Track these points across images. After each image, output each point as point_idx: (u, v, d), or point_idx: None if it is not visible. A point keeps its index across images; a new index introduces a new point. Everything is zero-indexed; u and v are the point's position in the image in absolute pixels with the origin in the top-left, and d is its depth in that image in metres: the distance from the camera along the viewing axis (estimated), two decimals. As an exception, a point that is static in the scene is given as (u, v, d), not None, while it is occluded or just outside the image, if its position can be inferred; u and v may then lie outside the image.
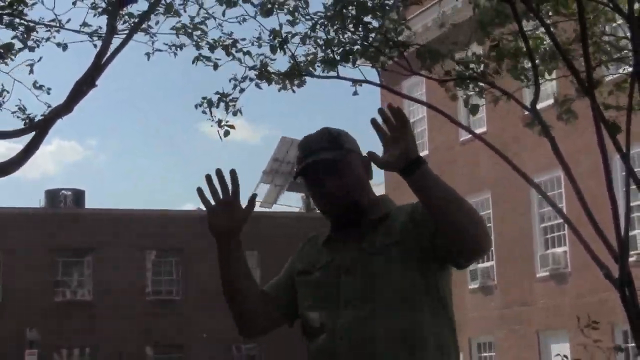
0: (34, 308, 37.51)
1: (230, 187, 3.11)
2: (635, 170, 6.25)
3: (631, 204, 6.16)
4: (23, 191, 79.29)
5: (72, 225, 39.01)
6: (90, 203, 42.58)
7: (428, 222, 2.94)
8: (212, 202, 3.12)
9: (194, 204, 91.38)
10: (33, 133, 9.45)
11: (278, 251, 41.54)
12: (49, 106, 9.86)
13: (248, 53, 8.64)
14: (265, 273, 41.52)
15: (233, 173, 3.13)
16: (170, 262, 40.78)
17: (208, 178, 3.09)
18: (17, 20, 9.80)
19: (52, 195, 41.21)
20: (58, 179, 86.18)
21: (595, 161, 18.70)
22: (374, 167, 3.02)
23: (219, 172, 3.08)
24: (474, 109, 7.76)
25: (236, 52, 8.63)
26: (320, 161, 3.11)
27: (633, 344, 15.40)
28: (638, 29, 4.66)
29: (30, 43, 9.91)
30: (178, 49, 9.45)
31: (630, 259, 15.63)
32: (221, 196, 3.11)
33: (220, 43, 8.90)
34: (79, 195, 42.09)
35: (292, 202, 59.18)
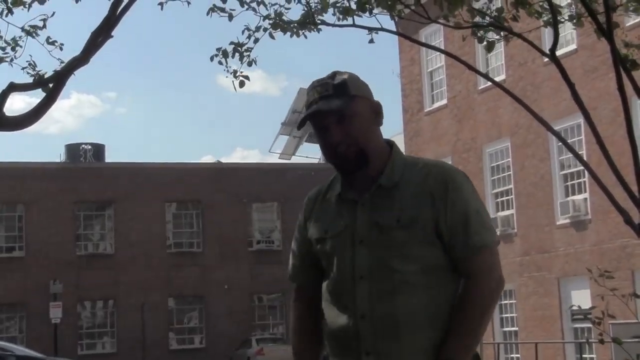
0: (57, 261, 37.92)
1: None
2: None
3: (651, 150, 6.12)
4: (43, 146, 79.72)
5: (92, 179, 39.25)
6: (110, 157, 42.77)
7: (453, 242, 2.95)
8: None
9: (212, 156, 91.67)
10: (50, 86, 9.43)
11: (298, 202, 41.57)
12: (62, 62, 9.80)
13: (262, 2, 8.56)
14: (286, 224, 41.96)
15: None
16: (191, 214, 41.03)
17: None
18: None
19: (73, 150, 41.43)
20: (78, 133, 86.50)
21: (615, 107, 18.58)
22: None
23: None
24: (490, 46, 7.69)
25: (250, 1, 8.56)
26: (324, 110, 3.05)
27: (653, 290, 15.36)
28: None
29: None
30: None
31: (651, 205, 15.60)
32: None
33: None
34: (99, 149, 42.29)
35: (311, 153, 59.14)
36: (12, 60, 10.11)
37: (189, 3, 9.49)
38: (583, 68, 20.74)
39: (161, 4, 9.62)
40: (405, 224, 2.94)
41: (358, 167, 3.04)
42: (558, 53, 8.65)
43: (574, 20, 9.12)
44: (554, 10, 6.06)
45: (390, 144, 3.14)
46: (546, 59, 7.83)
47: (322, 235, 3.09)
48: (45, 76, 9.77)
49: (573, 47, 21.52)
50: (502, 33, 8.57)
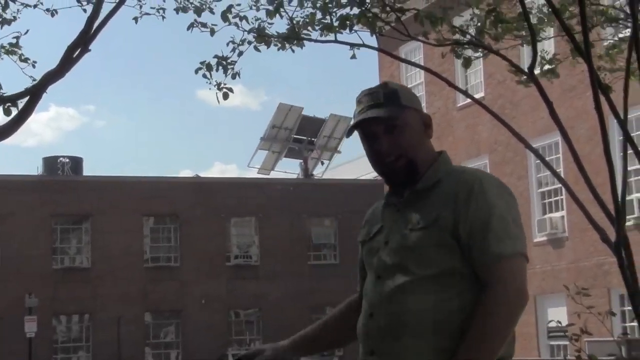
0: (33, 275, 37.62)
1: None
2: (632, 134, 6.26)
3: (628, 168, 6.17)
4: (21, 158, 79.29)
5: (70, 192, 39.03)
6: (88, 170, 42.60)
7: (472, 249, 2.83)
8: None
9: (191, 171, 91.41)
10: (26, 99, 9.38)
11: (276, 217, 41.83)
12: (34, 80, 9.72)
13: (245, 18, 8.58)
14: (263, 239, 41.83)
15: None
16: (169, 228, 40.87)
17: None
18: None
19: (50, 163, 41.22)
20: (56, 146, 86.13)
21: (593, 126, 18.70)
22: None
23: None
24: (467, 62, 7.74)
25: (232, 17, 8.57)
26: (374, 118, 2.97)
27: (629, 308, 15.42)
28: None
29: (7, 16, 9.75)
30: (164, 11, 9.39)
31: (627, 223, 15.66)
32: None
33: (208, 5, 8.84)
34: (77, 162, 42.09)
35: (289, 168, 59.14)
36: None
37: (163, 17, 9.50)
38: (561, 87, 20.88)
39: (136, 18, 9.62)
40: (425, 225, 2.88)
41: (407, 179, 2.98)
42: (537, 71, 8.71)
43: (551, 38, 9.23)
44: (532, 29, 6.10)
45: (440, 153, 3.08)
46: (525, 77, 7.87)
47: (365, 238, 3.12)
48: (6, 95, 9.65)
49: (552, 65, 21.65)
50: (481, 51, 8.63)
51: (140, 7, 9.72)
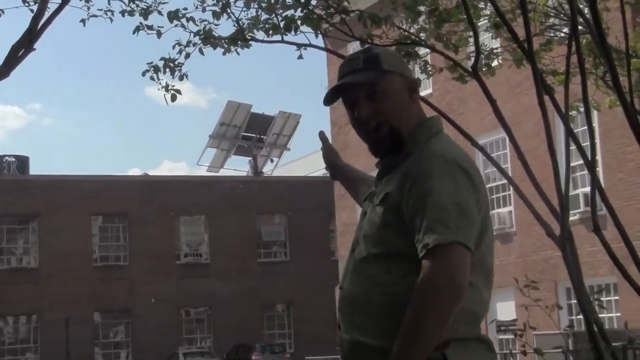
0: (-21, 276, 37.15)
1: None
2: (575, 130, 6.37)
3: (571, 164, 6.28)
4: (-35, 158, 78.04)
5: (16, 191, 38.57)
6: (34, 169, 42.13)
7: (409, 226, 2.68)
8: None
9: (140, 169, 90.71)
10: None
11: (225, 215, 41.72)
12: None
13: (192, 19, 8.55)
14: (213, 237, 41.69)
15: (321, 134, 3.43)
16: (117, 227, 40.57)
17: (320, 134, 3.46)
18: None
19: (-5, 162, 40.71)
20: (1, 145, 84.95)
21: (539, 121, 18.93)
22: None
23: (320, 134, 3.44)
24: (409, 56, 7.84)
25: (180, 17, 8.55)
26: (350, 84, 2.83)
27: (575, 301, 15.68)
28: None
29: None
30: (114, 14, 9.31)
31: (573, 217, 15.88)
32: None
33: (155, 8, 8.80)
34: (23, 162, 41.62)
35: (239, 165, 59.01)
36: None
37: (111, 20, 9.42)
38: (508, 83, 21.10)
39: (83, 20, 9.53)
40: (378, 203, 2.77)
41: (392, 147, 2.82)
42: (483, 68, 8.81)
43: (492, 33, 9.33)
44: (474, 27, 6.18)
45: (425, 121, 2.89)
46: (467, 74, 7.97)
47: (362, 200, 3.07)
48: None
49: (497, 62, 21.89)
50: (423, 49, 8.73)
51: (88, 8, 9.62)
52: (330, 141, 3.52)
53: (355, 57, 2.89)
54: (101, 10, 9.46)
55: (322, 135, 3.43)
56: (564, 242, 5.10)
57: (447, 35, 8.36)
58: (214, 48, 8.50)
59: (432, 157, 2.72)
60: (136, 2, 8.96)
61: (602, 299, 6.74)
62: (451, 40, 8.50)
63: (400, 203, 2.71)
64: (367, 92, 2.82)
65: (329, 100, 2.95)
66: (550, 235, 6.34)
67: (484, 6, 8.61)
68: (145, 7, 8.81)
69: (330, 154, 3.43)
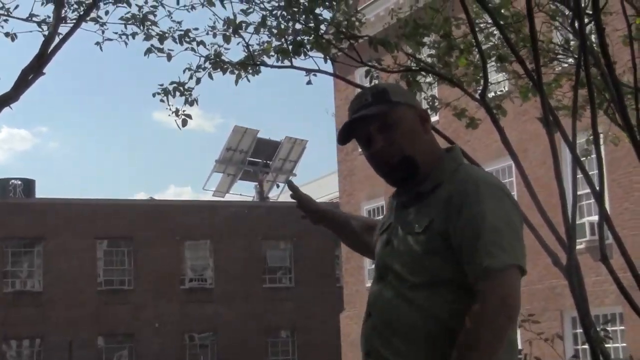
0: (-17, 298, 37.09)
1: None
2: (582, 159, 6.37)
3: (578, 193, 6.27)
4: (-29, 180, 78.21)
5: (22, 214, 38.57)
6: (40, 192, 42.15)
7: (463, 256, 2.70)
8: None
9: (145, 193, 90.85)
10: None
11: (231, 241, 41.64)
12: None
13: (202, 43, 8.58)
14: (219, 262, 41.59)
15: (289, 183, 3.44)
16: (122, 251, 40.52)
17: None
18: None
19: (2, 185, 40.74)
20: (7, 167, 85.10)
21: (546, 149, 18.94)
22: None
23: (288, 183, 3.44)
24: (415, 85, 7.87)
25: (189, 41, 8.58)
26: (362, 118, 2.87)
27: (581, 330, 15.63)
28: (584, 24, 4.76)
29: None
30: (128, 37, 9.37)
31: (579, 247, 15.82)
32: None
33: (171, 34, 8.85)
34: (29, 185, 41.65)
35: (245, 191, 59.01)
36: None
37: (126, 43, 9.47)
38: (513, 111, 21.10)
39: (99, 43, 9.58)
40: (419, 231, 2.77)
41: (407, 176, 2.87)
42: (489, 96, 8.83)
43: (496, 67, 9.38)
44: (483, 55, 6.20)
45: (449, 150, 2.96)
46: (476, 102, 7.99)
47: (377, 232, 3.06)
48: None
49: (504, 89, 21.93)
50: (432, 77, 8.75)
51: (102, 32, 9.69)
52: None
53: (363, 93, 2.94)
54: (116, 33, 9.54)
55: (290, 184, 3.46)
56: (570, 271, 5.08)
57: (455, 62, 8.39)
58: (224, 73, 8.52)
59: (477, 182, 2.77)
60: (151, 27, 9.03)
61: (607, 328, 6.70)
62: (459, 73, 8.52)
63: (447, 228, 2.74)
64: (379, 124, 2.86)
65: (343, 139, 2.98)
66: (557, 264, 6.32)
67: (484, 40, 8.65)
68: (161, 32, 8.87)
69: (304, 203, 3.46)
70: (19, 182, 40.95)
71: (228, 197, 46.34)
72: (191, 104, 8.80)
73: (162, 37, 8.80)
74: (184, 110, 8.89)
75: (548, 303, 20.78)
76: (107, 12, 9.62)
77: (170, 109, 8.84)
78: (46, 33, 9.43)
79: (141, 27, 9.07)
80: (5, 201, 39.34)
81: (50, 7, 9.47)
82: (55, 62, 9.37)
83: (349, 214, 3.55)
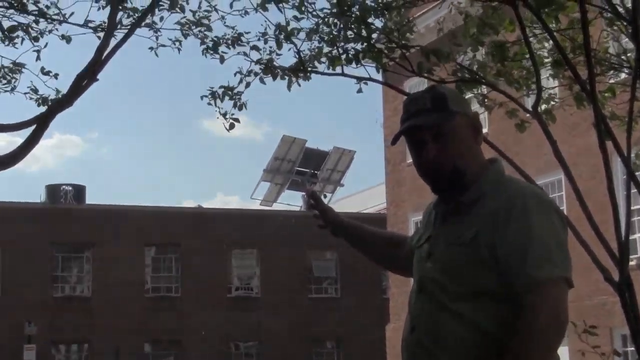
0: (33, 303, 37.50)
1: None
2: (636, 173, 6.26)
3: (632, 208, 6.16)
4: (23, 185, 79.30)
5: (72, 220, 39.00)
6: (90, 198, 42.51)
7: (505, 268, 2.69)
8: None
9: (194, 201, 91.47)
10: (34, 126, 9.43)
11: (278, 250, 41.69)
12: (58, 91, 9.85)
13: (255, 47, 8.58)
14: (265, 271, 41.67)
15: (313, 193, 3.52)
16: (170, 258, 40.78)
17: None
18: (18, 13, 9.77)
19: (53, 190, 41.22)
20: (59, 173, 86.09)
21: (596, 163, 18.73)
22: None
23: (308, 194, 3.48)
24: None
25: (244, 44, 8.61)
26: (419, 125, 2.84)
27: (632, 348, 15.33)
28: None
29: (33, 34, 9.87)
30: (181, 43, 9.46)
31: (631, 263, 15.60)
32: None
33: (224, 40, 8.88)
34: (79, 191, 42.08)
35: (292, 200, 59.09)
36: (13, 89, 10.16)
37: (179, 50, 9.54)
38: (564, 124, 20.87)
39: (153, 49, 9.65)
40: (464, 242, 2.76)
41: (453, 187, 2.85)
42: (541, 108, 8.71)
43: (550, 74, 9.25)
44: (537, 66, 6.11)
45: (493, 162, 2.94)
46: (528, 114, 7.89)
47: (414, 244, 3.04)
48: (50, 98, 9.80)
49: (556, 99, 21.73)
50: (484, 88, 8.66)
51: (157, 38, 9.78)
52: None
53: (421, 96, 2.90)
54: (171, 40, 9.62)
55: (313, 194, 3.51)
56: (622, 288, 4.98)
57: (508, 70, 8.29)
58: (274, 78, 8.51)
59: (525, 195, 2.78)
60: (205, 32, 9.11)
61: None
62: (514, 76, 8.42)
63: (494, 240, 2.72)
64: (435, 134, 2.85)
65: (396, 139, 2.98)
66: (609, 280, 6.21)
67: (540, 46, 8.54)
68: (215, 39, 8.93)
69: (325, 213, 3.51)
70: (70, 188, 41.40)
71: (275, 207, 46.45)
72: (240, 108, 8.81)
73: (216, 44, 8.85)
74: (232, 114, 8.91)
75: (598, 319, 20.44)
76: (161, 18, 9.69)
77: (219, 111, 8.86)
78: (100, 36, 9.53)
79: (195, 33, 9.16)
80: (56, 207, 39.81)
81: (105, 13, 9.57)
82: (108, 67, 9.44)
83: (372, 227, 3.47)
